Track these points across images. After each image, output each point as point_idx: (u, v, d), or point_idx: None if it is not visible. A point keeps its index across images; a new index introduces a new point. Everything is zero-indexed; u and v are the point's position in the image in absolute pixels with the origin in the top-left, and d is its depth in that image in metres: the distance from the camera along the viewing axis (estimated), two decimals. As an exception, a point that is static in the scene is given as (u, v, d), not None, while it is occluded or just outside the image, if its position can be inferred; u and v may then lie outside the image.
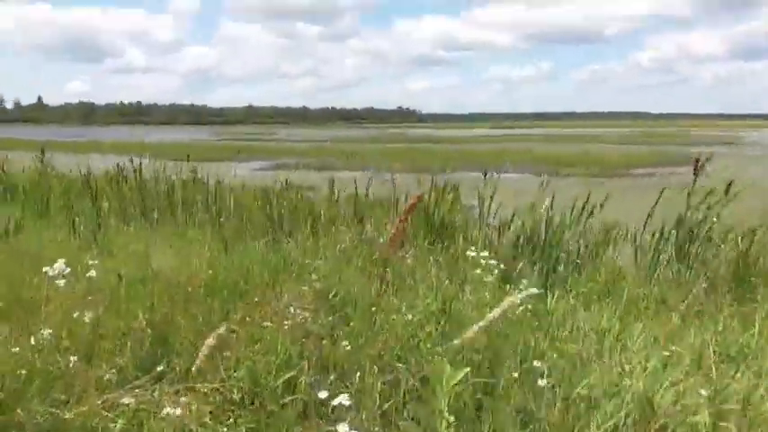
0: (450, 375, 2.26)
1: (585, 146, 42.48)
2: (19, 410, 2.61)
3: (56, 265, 3.68)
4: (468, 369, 2.31)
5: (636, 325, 3.86)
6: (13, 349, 3.31)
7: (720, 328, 4.14)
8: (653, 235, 5.90)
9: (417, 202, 2.64)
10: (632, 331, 3.73)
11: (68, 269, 3.67)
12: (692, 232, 5.83)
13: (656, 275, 5.41)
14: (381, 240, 5.15)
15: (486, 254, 3.66)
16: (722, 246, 5.90)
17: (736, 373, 3.29)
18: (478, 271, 3.66)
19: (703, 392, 2.60)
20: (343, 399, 2.29)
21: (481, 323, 2.39)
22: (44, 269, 3.67)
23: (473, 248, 3.93)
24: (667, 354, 3.29)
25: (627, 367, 2.99)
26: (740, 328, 4.16)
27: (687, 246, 5.74)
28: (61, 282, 3.60)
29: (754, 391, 2.91)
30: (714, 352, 3.60)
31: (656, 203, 6.02)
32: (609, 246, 6.07)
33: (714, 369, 3.26)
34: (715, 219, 5.89)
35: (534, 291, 2.79)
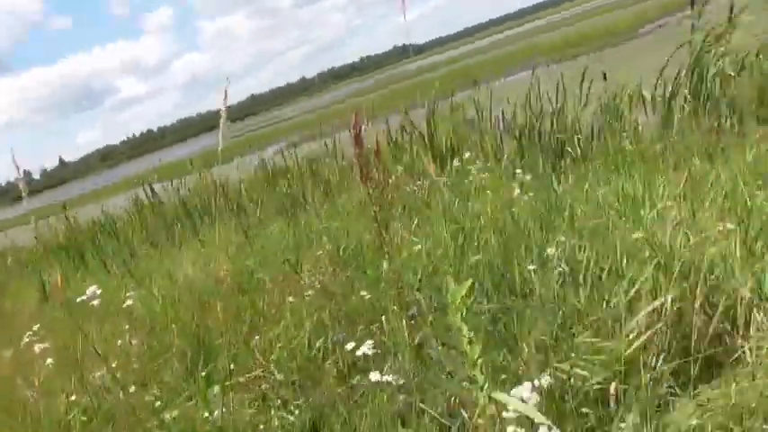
0: (457, 290, 2.19)
1: (588, 21, 40.93)
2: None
3: (88, 290, 3.73)
4: (471, 280, 2.23)
5: (659, 181, 3.69)
6: (72, 397, 3.43)
7: (750, 158, 3.94)
8: (664, 87, 5.65)
9: (356, 126, 2.54)
10: (656, 189, 3.56)
11: (99, 290, 3.71)
12: (703, 70, 5.54)
13: (674, 126, 5.18)
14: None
15: (479, 165, 3.55)
16: (737, 75, 5.61)
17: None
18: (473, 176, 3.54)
19: (729, 225, 2.48)
20: (367, 348, 2.26)
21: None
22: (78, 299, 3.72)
23: (470, 158, 3.82)
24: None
25: (652, 225, 2.87)
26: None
27: (700, 86, 5.47)
28: (96, 302, 3.64)
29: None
30: (746, 183, 3.43)
31: (669, 59, 5.70)
32: (621, 112, 5.83)
33: (747, 198, 3.10)
34: (722, 49, 5.58)
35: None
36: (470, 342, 2.03)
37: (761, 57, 5.64)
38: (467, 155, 4.79)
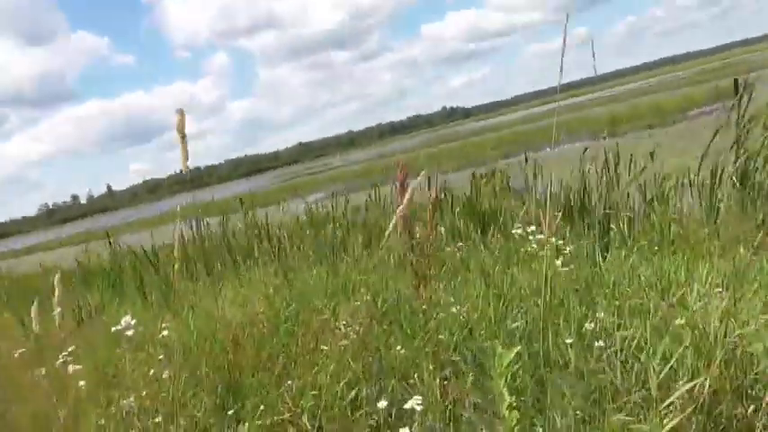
0: (503, 355, 2.23)
1: (638, 99, 41.08)
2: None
3: (123, 320, 3.80)
4: (519, 347, 2.26)
5: (702, 267, 3.67)
6: (100, 422, 3.49)
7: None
8: (710, 171, 5.63)
9: (402, 179, 2.62)
10: (699, 274, 3.54)
11: (134, 321, 3.78)
12: (750, 160, 5.53)
13: (719, 213, 5.15)
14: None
15: (532, 228, 3.57)
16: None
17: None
18: (528, 248, 3.58)
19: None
20: (415, 403, 2.27)
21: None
22: (113, 328, 3.80)
23: (517, 227, 3.86)
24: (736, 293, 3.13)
25: (693, 310, 2.85)
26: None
27: (747, 174, 5.45)
28: (130, 332, 3.71)
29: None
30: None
31: (712, 141, 5.71)
32: (667, 193, 5.83)
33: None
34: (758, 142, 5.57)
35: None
36: (510, 408, 2.04)
37: None
38: (511, 222, 4.84)
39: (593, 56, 2.65)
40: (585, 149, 5.93)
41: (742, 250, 3.97)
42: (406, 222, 3.52)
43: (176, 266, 7.73)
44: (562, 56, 2.46)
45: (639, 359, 2.41)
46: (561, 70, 2.52)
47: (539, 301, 3.16)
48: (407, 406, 2.26)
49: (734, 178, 5.29)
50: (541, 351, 2.51)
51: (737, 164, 5.45)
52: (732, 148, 5.49)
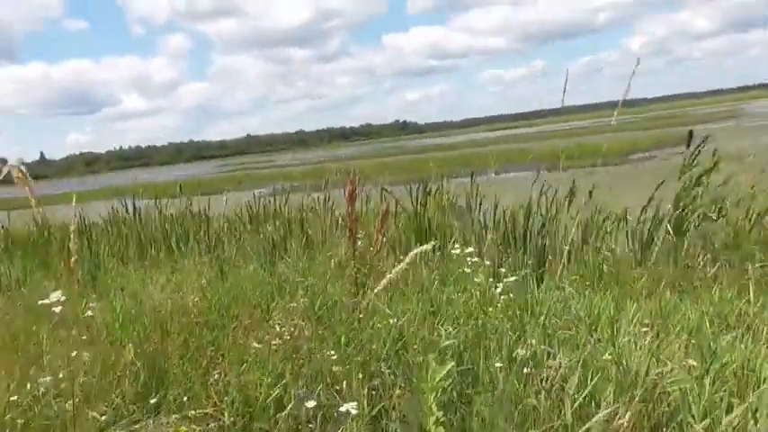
0: (436, 371, 2.25)
1: (582, 138, 42.34)
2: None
3: (53, 295, 3.67)
4: (453, 363, 2.30)
5: (630, 306, 3.83)
6: (12, 398, 3.34)
7: (717, 299, 4.12)
8: (647, 216, 5.87)
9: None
10: (627, 313, 3.69)
11: (64, 297, 3.66)
12: (686, 209, 5.80)
13: (651, 256, 5.38)
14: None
15: (470, 250, 3.65)
16: (718, 218, 5.87)
17: (734, 340, 3.26)
18: (465, 269, 3.66)
19: (691, 361, 2.58)
20: (350, 407, 2.27)
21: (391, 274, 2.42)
22: (39, 302, 3.67)
23: (457, 246, 3.93)
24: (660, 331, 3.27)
25: (617, 345, 2.97)
26: (738, 297, 4.13)
27: (681, 223, 5.71)
28: (58, 309, 3.59)
29: (752, 357, 2.89)
30: (711, 324, 3.58)
31: (657, 188, 5.94)
32: (602, 232, 6.03)
33: (711, 339, 3.23)
34: (700, 191, 5.86)
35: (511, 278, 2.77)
36: (438, 423, 2.07)
37: (740, 204, 5.93)
38: (452, 241, 4.91)
39: (564, 90, 2.75)
40: (535, 179, 6.09)
41: (668, 293, 4.15)
42: (351, 229, 3.55)
43: (106, 245, 7.51)
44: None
45: (563, 388, 2.48)
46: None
47: (472, 322, 3.23)
48: (342, 409, 2.26)
49: (669, 225, 5.52)
50: (472, 371, 2.55)
51: (675, 212, 5.71)
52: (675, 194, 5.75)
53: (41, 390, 3.36)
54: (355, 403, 2.26)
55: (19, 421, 3.12)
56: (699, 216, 5.74)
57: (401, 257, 5.17)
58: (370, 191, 8.13)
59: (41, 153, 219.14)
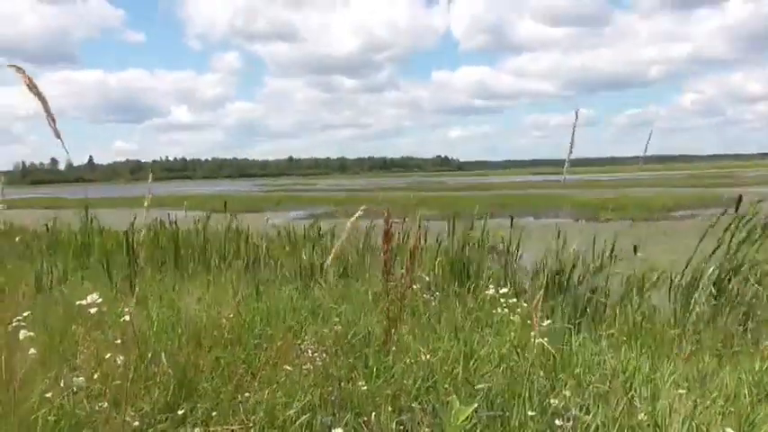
0: (460, 411, 2.24)
1: (627, 190, 41.90)
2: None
3: (89, 296, 3.74)
4: (476, 405, 2.28)
5: (667, 366, 3.75)
6: (46, 395, 3.41)
7: (757, 368, 4.01)
8: (689, 275, 5.76)
9: (387, 221, 2.67)
10: (663, 372, 3.62)
11: (101, 299, 3.73)
12: (730, 272, 5.68)
13: (691, 317, 5.26)
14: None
15: (505, 290, 3.63)
16: (759, 285, 5.73)
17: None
18: (499, 310, 3.63)
19: (729, 430, 2.51)
20: None
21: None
22: (77, 302, 3.74)
23: (491, 287, 3.91)
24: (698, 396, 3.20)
25: (654, 408, 2.91)
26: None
27: (724, 285, 5.59)
28: (93, 310, 3.65)
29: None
30: (749, 392, 3.48)
31: (698, 245, 5.83)
32: (643, 287, 5.94)
33: (749, 408, 3.15)
34: (742, 256, 5.73)
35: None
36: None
37: None
38: (489, 282, 4.89)
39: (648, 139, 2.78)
40: (579, 229, 6.03)
41: (707, 357, 4.05)
42: (387, 263, 3.56)
43: (146, 252, 7.64)
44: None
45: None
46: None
47: (504, 365, 3.20)
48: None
49: (712, 287, 5.41)
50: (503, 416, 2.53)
51: (718, 274, 5.59)
52: (712, 254, 5.64)
53: (74, 389, 3.42)
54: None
55: (50, 418, 3.18)
56: (743, 281, 5.62)
57: (436, 294, 5.21)
58: (410, 227, 8.15)
59: (90, 157, 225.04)
